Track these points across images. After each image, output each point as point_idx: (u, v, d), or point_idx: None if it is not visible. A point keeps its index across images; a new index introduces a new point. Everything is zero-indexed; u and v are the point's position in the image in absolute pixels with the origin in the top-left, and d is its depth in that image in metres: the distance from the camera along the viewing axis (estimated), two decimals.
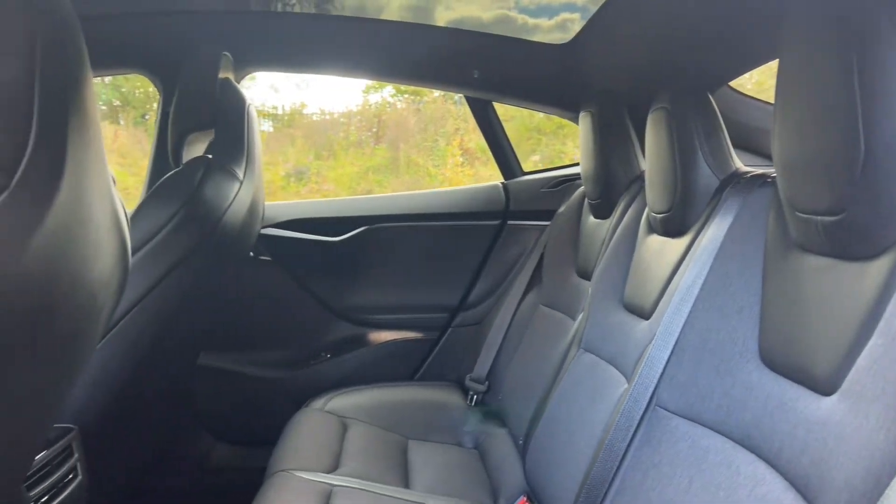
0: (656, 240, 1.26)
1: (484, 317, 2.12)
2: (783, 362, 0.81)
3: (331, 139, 4.95)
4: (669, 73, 1.49)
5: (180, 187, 1.31)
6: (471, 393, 1.91)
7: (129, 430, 1.41)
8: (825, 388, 0.72)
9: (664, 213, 1.21)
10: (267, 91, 4.69)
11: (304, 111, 4.95)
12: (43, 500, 1.02)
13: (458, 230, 2.16)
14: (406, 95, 4.99)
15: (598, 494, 1.05)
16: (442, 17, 1.81)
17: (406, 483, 1.50)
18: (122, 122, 4.39)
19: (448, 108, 4.97)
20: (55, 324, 0.67)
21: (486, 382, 1.90)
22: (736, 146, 1.22)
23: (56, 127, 0.60)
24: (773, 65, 0.84)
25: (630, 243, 1.36)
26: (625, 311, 1.27)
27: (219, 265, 1.49)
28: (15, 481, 0.89)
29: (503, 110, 2.30)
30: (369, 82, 4.82)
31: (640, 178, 1.47)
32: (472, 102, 2.20)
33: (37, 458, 1.00)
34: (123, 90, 4.30)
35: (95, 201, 0.69)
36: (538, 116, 4.19)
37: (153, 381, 1.43)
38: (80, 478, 1.13)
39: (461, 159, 4.78)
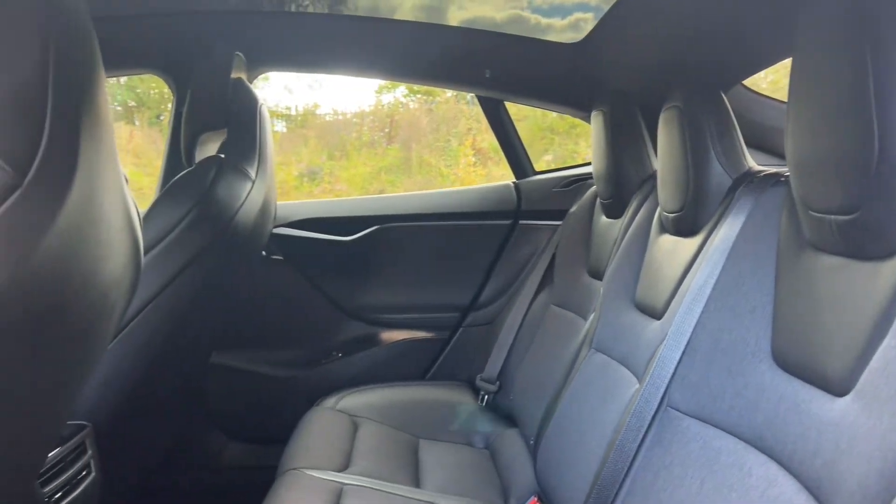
0: (668, 239, 1.25)
1: (495, 316, 2.11)
2: (796, 363, 0.80)
3: (343, 139, 4.97)
4: (682, 71, 1.48)
5: (193, 187, 1.32)
6: (482, 393, 1.91)
7: (142, 428, 1.42)
8: (838, 388, 0.71)
9: (676, 212, 1.20)
10: (280, 92, 4.72)
11: (317, 111, 4.98)
12: (57, 496, 1.03)
13: (469, 230, 2.16)
14: (418, 95, 4.99)
15: (608, 495, 1.05)
16: (455, 17, 1.81)
17: (417, 482, 1.50)
18: (137, 123, 4.43)
19: (460, 108, 4.97)
20: (67, 322, 0.67)
21: (497, 382, 1.89)
22: (750, 146, 1.21)
23: (69, 127, 0.60)
24: (789, 63, 0.83)
25: (642, 243, 1.36)
26: (636, 311, 1.27)
27: (231, 264, 1.50)
28: (29, 478, 0.89)
29: (515, 110, 2.30)
30: (382, 82, 4.83)
31: (653, 177, 1.46)
32: (483, 102, 2.20)
33: (50, 454, 1.01)
34: (138, 91, 4.33)
35: (107, 200, 0.69)
36: (551, 116, 4.18)
37: (166, 380, 1.44)
38: (93, 475, 1.14)
39: (473, 159, 4.78)
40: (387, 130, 5.03)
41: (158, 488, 1.82)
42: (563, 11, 1.72)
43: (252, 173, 1.45)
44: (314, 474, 1.36)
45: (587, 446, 1.19)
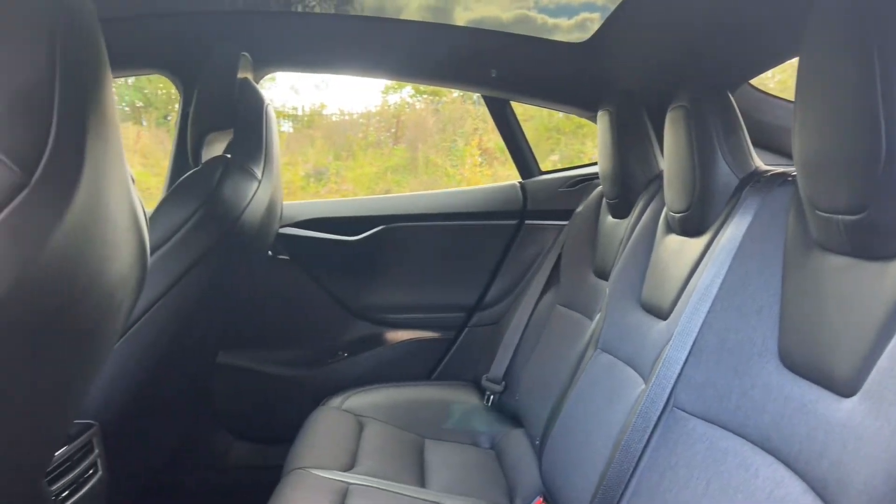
0: (674, 239, 1.24)
1: (501, 317, 2.11)
2: (803, 363, 0.80)
3: (350, 139, 4.97)
4: (688, 71, 1.47)
5: (199, 186, 1.32)
6: (487, 393, 1.90)
7: (149, 427, 1.42)
8: (845, 389, 0.71)
9: (682, 212, 1.20)
10: (287, 92, 4.72)
11: (324, 112, 4.98)
12: (64, 494, 1.03)
13: (475, 230, 2.16)
14: (425, 96, 4.99)
15: (614, 496, 1.05)
16: (461, 18, 1.81)
17: (422, 482, 1.50)
18: (144, 123, 4.44)
19: (467, 108, 4.97)
20: (73, 322, 0.68)
21: (503, 382, 1.89)
22: (758, 146, 1.21)
23: (75, 126, 0.60)
24: (796, 62, 0.83)
25: (648, 243, 1.35)
26: (642, 312, 1.26)
27: (237, 264, 1.50)
28: (36, 476, 0.90)
29: (522, 110, 2.30)
30: (388, 83, 4.83)
31: (659, 177, 1.46)
32: (489, 102, 2.20)
33: (58, 453, 1.01)
34: (146, 91, 4.35)
35: (114, 200, 0.70)
36: (557, 116, 4.18)
37: (172, 379, 1.44)
38: (100, 473, 1.14)
39: (480, 159, 4.78)
40: (393, 130, 5.04)
41: (165, 487, 1.83)
42: (569, 11, 1.72)
43: (258, 173, 1.46)
44: (320, 474, 1.36)
45: (593, 447, 1.19)
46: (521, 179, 2.27)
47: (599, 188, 1.80)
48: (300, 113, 4.85)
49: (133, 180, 0.78)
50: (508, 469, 1.60)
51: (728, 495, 0.84)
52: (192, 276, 1.25)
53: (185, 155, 1.64)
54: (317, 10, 1.80)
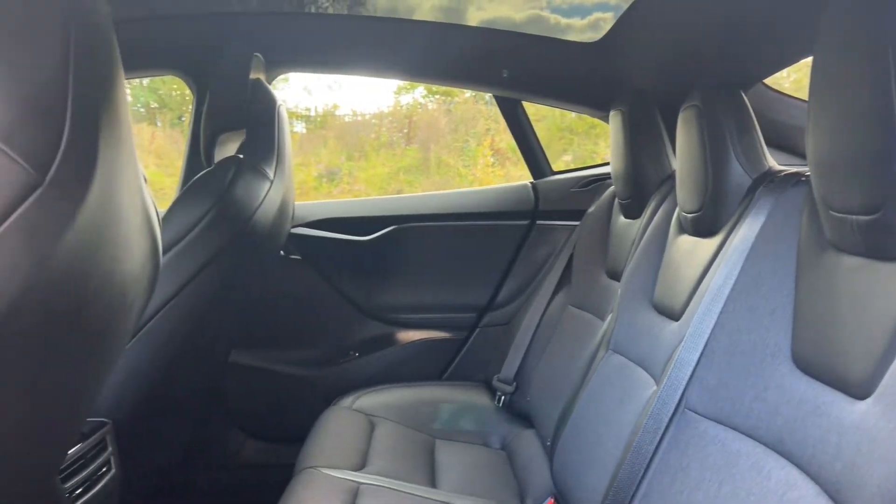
0: (687, 240, 1.24)
1: (512, 317, 2.11)
2: (816, 365, 0.79)
3: (362, 140, 4.98)
4: (701, 70, 1.46)
5: (211, 187, 1.33)
6: (498, 393, 1.90)
7: (162, 426, 1.43)
8: (859, 391, 0.70)
9: (695, 212, 1.19)
10: (300, 93, 4.74)
11: (337, 112, 5.00)
12: (77, 492, 1.04)
13: (486, 230, 2.16)
14: (437, 96, 5.00)
15: (625, 497, 1.04)
16: (474, 18, 1.81)
17: (433, 482, 1.50)
18: (159, 124, 4.48)
19: (479, 108, 4.96)
20: (85, 321, 0.68)
21: (514, 383, 1.89)
22: (772, 145, 1.20)
23: (88, 126, 0.61)
24: (810, 61, 0.82)
25: (660, 243, 1.34)
26: (654, 313, 1.26)
27: (249, 264, 1.51)
28: (49, 473, 0.91)
29: (534, 110, 2.29)
30: (401, 83, 4.84)
31: (671, 177, 1.45)
32: (501, 102, 2.19)
33: (71, 451, 1.02)
34: (160, 92, 4.39)
35: (126, 199, 0.70)
36: (570, 116, 4.17)
37: (185, 378, 1.45)
38: (113, 471, 1.15)
39: (492, 159, 4.77)
40: (405, 131, 5.05)
41: (176, 485, 1.84)
42: (582, 11, 1.72)
43: (270, 173, 1.46)
44: (331, 473, 1.37)
45: (604, 448, 1.18)
46: (532, 180, 2.26)
47: (611, 188, 1.79)
48: (313, 114, 4.87)
49: (145, 180, 0.79)
50: (519, 470, 1.60)
51: (740, 498, 0.83)
52: (205, 276, 1.25)
53: (198, 155, 1.65)
54: (329, 10, 1.80)
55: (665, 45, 1.53)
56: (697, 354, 1.00)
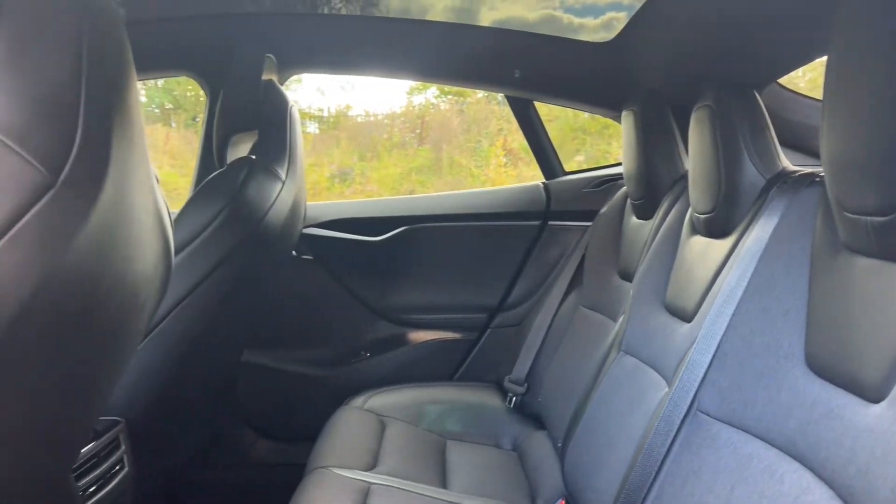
0: (699, 241, 1.23)
1: (524, 318, 2.10)
2: (830, 367, 0.78)
3: (375, 140, 5.00)
4: (715, 70, 1.45)
5: (224, 187, 1.34)
6: (510, 394, 1.90)
7: (174, 425, 1.44)
8: (873, 394, 0.69)
9: (708, 213, 1.18)
10: (313, 93, 4.76)
11: (349, 113, 5.01)
12: (91, 490, 1.05)
13: (498, 230, 2.16)
14: (450, 96, 5.00)
15: (636, 500, 1.04)
16: (487, 18, 1.80)
17: (443, 483, 1.50)
18: (173, 125, 4.51)
19: (492, 108, 4.96)
20: (98, 321, 0.69)
21: (526, 384, 1.89)
22: (788, 146, 1.19)
23: (101, 127, 0.61)
24: (825, 61, 0.81)
25: (673, 244, 1.34)
26: (666, 314, 1.25)
27: (261, 264, 1.52)
28: (63, 471, 0.91)
29: (547, 110, 2.29)
30: (413, 84, 4.85)
31: (684, 178, 1.44)
32: (513, 102, 2.19)
33: (85, 449, 1.03)
34: (175, 93, 4.42)
35: (138, 200, 0.71)
36: (583, 116, 4.15)
37: (197, 378, 1.46)
38: (126, 469, 1.16)
39: (504, 160, 4.77)
40: (418, 131, 5.05)
41: (189, 484, 1.85)
42: (595, 11, 1.71)
43: (282, 174, 1.47)
44: (342, 473, 1.37)
45: (615, 450, 1.18)
46: (544, 180, 2.26)
47: (624, 189, 1.79)
48: (326, 114, 4.89)
49: (157, 181, 0.79)
50: (530, 471, 1.60)
51: (753, 501, 0.82)
52: (217, 276, 1.26)
53: (211, 156, 1.66)
54: (342, 11, 1.81)
55: (678, 45, 1.52)
56: (710, 356, 1.00)
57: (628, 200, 1.72)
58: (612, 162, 2.48)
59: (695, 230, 1.26)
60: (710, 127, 1.16)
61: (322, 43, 1.89)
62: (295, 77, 2.11)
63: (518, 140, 4.46)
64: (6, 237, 0.52)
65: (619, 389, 1.28)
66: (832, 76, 0.78)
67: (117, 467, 1.13)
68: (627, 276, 1.57)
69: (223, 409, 1.95)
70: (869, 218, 0.72)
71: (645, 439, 1.05)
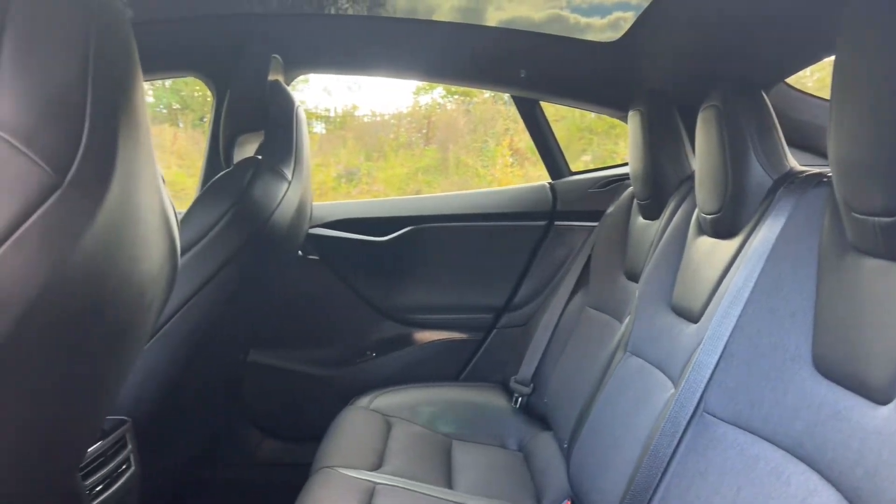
0: (706, 241, 1.22)
1: (530, 318, 2.10)
2: (837, 369, 0.78)
3: (381, 140, 5.00)
4: (721, 70, 1.45)
5: (230, 187, 1.34)
6: (515, 395, 1.90)
7: (181, 424, 1.45)
8: (881, 396, 0.69)
9: (714, 213, 1.18)
10: (320, 93, 4.77)
11: (356, 113, 5.02)
12: (98, 489, 1.06)
13: (504, 231, 2.15)
14: (456, 96, 5.00)
15: (642, 501, 1.03)
16: (493, 17, 1.80)
17: (449, 483, 1.50)
18: (181, 125, 4.53)
19: (498, 108, 4.96)
20: (104, 321, 0.69)
21: (531, 384, 1.88)
22: (796, 146, 1.18)
23: (107, 127, 0.61)
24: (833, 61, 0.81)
25: (679, 245, 1.33)
26: (673, 315, 1.25)
27: (267, 264, 1.52)
28: (70, 470, 0.92)
29: (553, 110, 2.28)
30: (420, 84, 4.85)
31: (691, 178, 1.44)
32: (519, 102, 2.19)
33: (92, 448, 1.04)
34: (183, 94, 4.44)
35: (144, 200, 0.71)
36: (589, 116, 4.15)
37: (203, 377, 1.46)
38: (133, 468, 1.16)
39: (511, 160, 4.77)
40: (424, 131, 5.06)
41: (194, 483, 1.86)
42: (602, 10, 1.70)
43: (288, 174, 1.47)
44: (347, 473, 1.37)
45: (621, 451, 1.17)
46: (550, 180, 2.26)
47: (630, 189, 1.78)
48: (333, 114, 4.90)
49: (163, 181, 0.79)
50: (536, 471, 1.59)
51: (760, 503, 0.82)
52: (223, 276, 1.26)
53: (218, 156, 1.66)
54: (349, 11, 1.81)
55: (685, 45, 1.52)
56: (716, 357, 0.99)
57: (635, 201, 1.71)
58: (619, 162, 2.48)
59: (701, 230, 1.26)
60: (717, 127, 1.15)
61: (329, 43, 1.89)
62: (302, 77, 2.11)
63: (525, 140, 4.46)
64: (13, 237, 0.52)
65: (625, 390, 1.28)
66: (840, 76, 0.78)
67: (124, 466, 1.14)
68: (634, 277, 1.56)
69: (229, 409, 1.95)
70: (876, 219, 0.72)
71: (651, 440, 1.05)
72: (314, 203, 1.96)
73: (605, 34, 1.74)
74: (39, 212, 0.54)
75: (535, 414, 1.84)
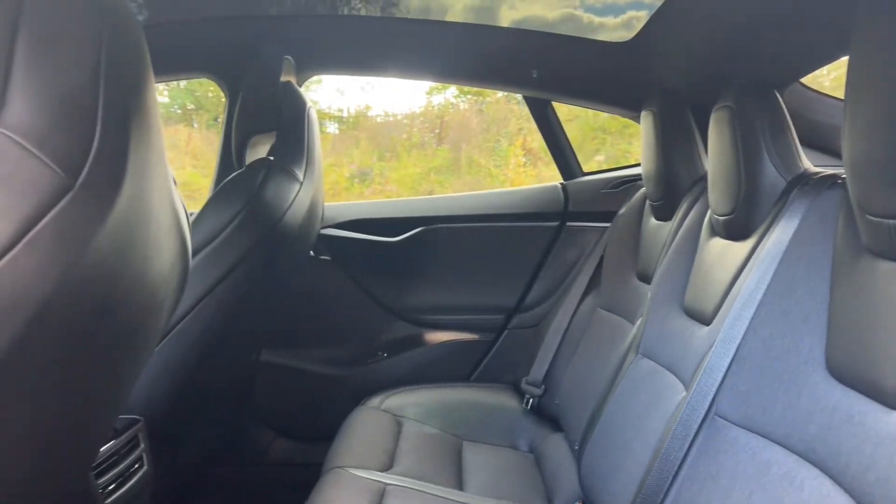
0: (719, 243, 1.21)
1: (541, 319, 2.10)
2: (850, 373, 0.77)
3: (394, 140, 5.01)
4: (735, 70, 1.43)
5: (242, 188, 1.35)
6: (526, 396, 1.89)
7: (193, 424, 1.46)
8: (895, 401, 0.68)
9: (727, 215, 1.17)
10: (333, 94, 4.79)
11: (369, 113, 5.03)
12: (110, 488, 1.07)
13: (515, 231, 2.15)
14: (469, 96, 5.00)
15: None
16: (506, 17, 1.80)
17: (459, 484, 1.50)
18: (195, 125, 4.56)
19: (511, 108, 4.95)
20: (116, 321, 0.70)
21: (543, 386, 1.88)
22: (811, 147, 1.17)
23: (119, 129, 0.62)
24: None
25: (692, 246, 1.32)
26: (685, 317, 1.24)
27: (279, 264, 1.53)
28: (83, 469, 0.93)
29: (566, 110, 2.27)
30: (433, 84, 4.85)
31: (704, 178, 1.43)
32: (531, 102, 2.18)
33: (105, 447, 1.05)
34: (197, 94, 4.47)
35: (156, 201, 0.71)
36: (602, 116, 4.13)
37: (215, 377, 1.47)
38: (145, 467, 1.17)
39: (524, 160, 4.76)
40: (437, 131, 5.06)
41: (206, 482, 1.87)
42: (616, 10, 1.69)
43: (300, 175, 1.48)
44: (358, 473, 1.37)
45: (632, 453, 1.17)
46: (562, 181, 2.25)
47: (643, 190, 1.77)
48: (346, 114, 4.91)
49: (175, 182, 0.80)
50: (547, 473, 1.59)
51: None
52: (235, 276, 1.27)
53: (230, 157, 1.67)
54: (362, 12, 1.81)
55: (698, 44, 1.51)
56: (728, 360, 0.98)
57: (647, 201, 1.70)
58: (633, 162, 2.46)
59: (714, 232, 1.25)
60: (730, 127, 1.14)
61: (341, 44, 1.90)
62: (315, 78, 2.11)
63: (538, 139, 4.44)
64: (25, 239, 0.53)
65: (637, 392, 1.27)
66: (854, 76, 0.77)
67: (136, 465, 1.15)
68: (646, 278, 1.55)
69: (241, 408, 1.96)
70: (891, 221, 0.71)
71: (662, 443, 1.04)
72: (326, 203, 1.96)
73: (618, 33, 1.73)
74: (51, 214, 0.55)
75: (546, 415, 1.84)
